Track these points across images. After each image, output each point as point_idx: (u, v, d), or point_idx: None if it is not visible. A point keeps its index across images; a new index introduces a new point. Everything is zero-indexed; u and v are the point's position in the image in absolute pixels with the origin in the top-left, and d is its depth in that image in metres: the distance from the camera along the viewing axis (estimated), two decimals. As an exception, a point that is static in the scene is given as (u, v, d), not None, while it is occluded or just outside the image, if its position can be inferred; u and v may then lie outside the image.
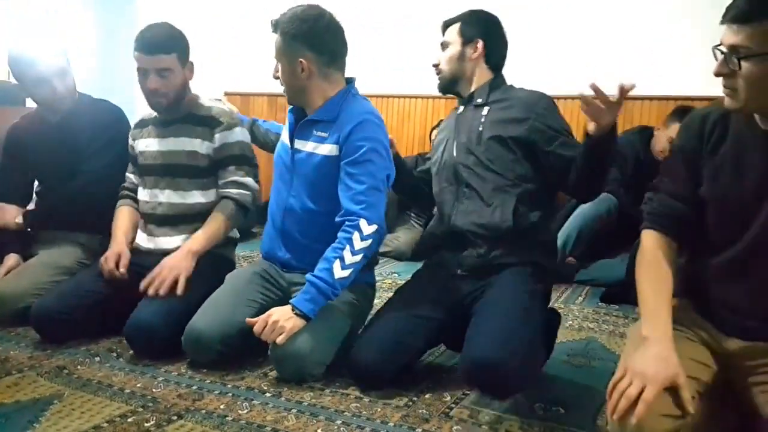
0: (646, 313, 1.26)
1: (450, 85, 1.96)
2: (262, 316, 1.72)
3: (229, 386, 1.69)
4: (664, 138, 3.15)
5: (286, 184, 1.93)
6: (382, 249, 3.26)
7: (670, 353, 1.16)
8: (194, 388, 1.67)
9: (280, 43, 1.84)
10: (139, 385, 1.68)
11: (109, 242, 2.09)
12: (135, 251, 2.10)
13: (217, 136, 2.07)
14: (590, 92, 1.45)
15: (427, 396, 1.68)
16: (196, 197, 2.10)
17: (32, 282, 2.08)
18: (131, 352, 1.89)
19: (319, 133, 1.86)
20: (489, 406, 1.63)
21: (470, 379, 1.61)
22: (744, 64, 1.15)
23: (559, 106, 1.87)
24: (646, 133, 3.34)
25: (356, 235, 1.74)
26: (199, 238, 2.01)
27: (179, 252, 1.97)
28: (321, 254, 1.76)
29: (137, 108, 2.59)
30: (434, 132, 3.71)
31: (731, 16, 1.16)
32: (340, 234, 1.76)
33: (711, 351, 1.30)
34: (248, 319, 1.74)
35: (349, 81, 1.93)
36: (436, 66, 1.96)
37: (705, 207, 1.32)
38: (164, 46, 2.00)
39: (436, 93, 2.04)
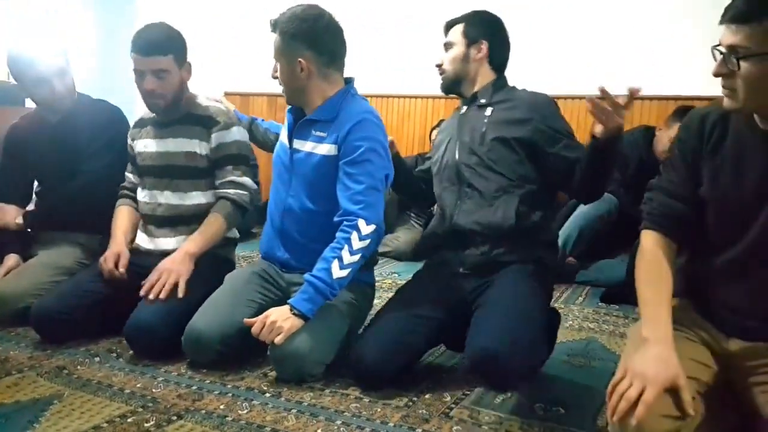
0: (646, 314, 1.25)
1: (453, 86, 1.96)
2: (260, 317, 1.72)
3: (229, 386, 1.69)
4: (665, 138, 3.12)
5: (284, 184, 1.93)
6: (382, 249, 3.28)
7: (670, 354, 1.16)
8: (194, 388, 1.67)
9: (279, 43, 1.84)
10: (138, 385, 1.68)
11: (109, 242, 2.09)
12: (134, 251, 2.10)
13: (213, 135, 2.07)
14: (597, 94, 1.44)
15: (427, 396, 1.68)
16: (196, 198, 2.10)
17: (32, 282, 2.08)
18: (131, 352, 1.89)
19: (318, 133, 1.86)
20: (489, 406, 1.63)
21: (475, 368, 1.60)
22: (743, 64, 1.15)
23: (560, 106, 1.88)
24: (649, 133, 3.31)
25: (354, 235, 1.74)
26: (197, 240, 2.00)
27: (177, 254, 1.96)
28: (320, 254, 1.76)
29: (136, 108, 2.58)
30: (434, 132, 3.70)
31: (730, 16, 1.16)
32: (338, 234, 1.76)
33: (711, 351, 1.30)
34: (246, 320, 1.74)
35: (348, 81, 1.93)
36: (439, 66, 1.96)
37: (705, 207, 1.31)
38: (161, 47, 2.00)
39: (437, 93, 2.04)
